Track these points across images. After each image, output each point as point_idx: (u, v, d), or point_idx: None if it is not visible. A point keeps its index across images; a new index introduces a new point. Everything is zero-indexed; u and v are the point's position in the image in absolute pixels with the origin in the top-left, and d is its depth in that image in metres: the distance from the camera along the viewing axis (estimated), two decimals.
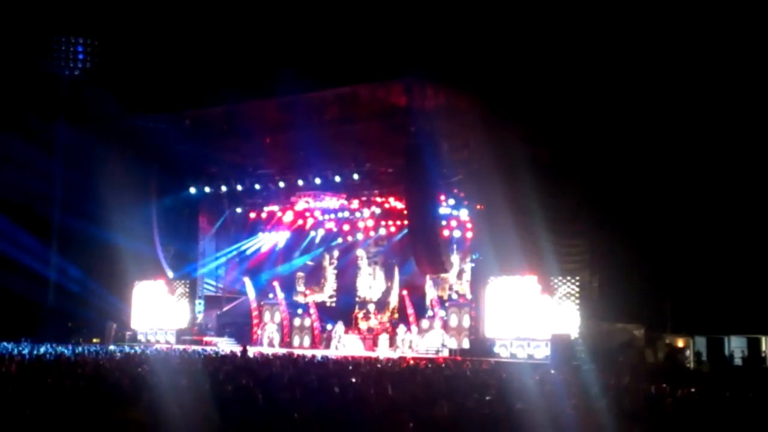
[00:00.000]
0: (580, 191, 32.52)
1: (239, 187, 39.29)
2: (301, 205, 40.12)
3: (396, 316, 39.47)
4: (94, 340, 38.27)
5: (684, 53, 32.04)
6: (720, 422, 13.36)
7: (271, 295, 41.28)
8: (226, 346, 36.77)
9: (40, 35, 42.32)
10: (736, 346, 32.24)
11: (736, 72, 31.57)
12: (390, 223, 40.62)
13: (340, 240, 42.67)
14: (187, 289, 40.71)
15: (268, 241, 43.15)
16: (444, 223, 35.61)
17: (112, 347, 32.84)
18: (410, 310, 37.41)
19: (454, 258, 37.10)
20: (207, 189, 39.85)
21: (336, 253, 43.28)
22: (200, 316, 41.28)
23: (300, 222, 42.32)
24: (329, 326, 38.58)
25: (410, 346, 35.87)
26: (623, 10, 32.08)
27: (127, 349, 31.74)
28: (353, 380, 16.90)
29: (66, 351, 27.89)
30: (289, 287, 42.30)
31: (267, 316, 40.88)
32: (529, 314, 32.22)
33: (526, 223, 31.47)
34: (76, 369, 18.53)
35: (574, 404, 13.30)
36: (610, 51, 31.97)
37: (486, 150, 32.38)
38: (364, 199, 39.52)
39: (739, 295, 31.35)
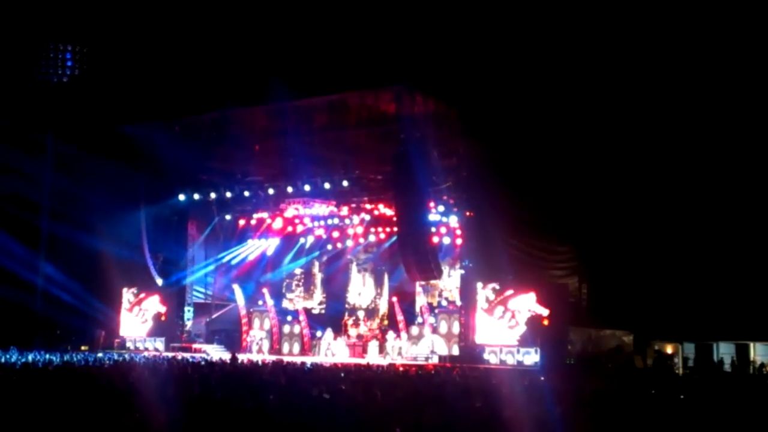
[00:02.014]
0: (569, 198, 32.66)
1: (228, 194, 39.24)
2: (290, 211, 40.10)
3: (386, 322, 39.48)
4: (83, 348, 38.10)
5: (665, 57, 32.29)
6: (709, 428, 13.41)
7: (260, 302, 41.23)
8: (215, 353, 36.69)
9: (29, 42, 42.19)
10: (724, 352, 32.37)
11: (727, 76, 31.80)
12: (379, 229, 40.65)
13: (329, 247, 42.64)
14: (176, 297, 40.59)
15: (257, 248, 43.10)
16: (433, 229, 35.61)
17: (100, 355, 32.73)
18: (400, 317, 37.45)
19: (444, 265, 37.12)
20: (196, 196, 39.77)
21: (325, 260, 43.27)
22: (189, 324, 41.13)
23: (289, 229, 42.29)
24: (318, 333, 38.56)
25: (400, 353, 35.89)
26: (602, 22, 32.34)
27: (116, 356, 31.61)
28: (343, 387, 16.88)
29: (54, 359, 27.77)
30: (278, 294, 42.27)
31: (256, 323, 40.82)
32: (519, 321, 32.29)
33: (516, 230, 31.58)
34: (64, 377, 18.44)
35: (564, 411, 13.33)
36: (592, 62, 32.20)
37: (475, 157, 32.49)
38: (353, 205, 39.53)
39: (727, 302, 31.51)
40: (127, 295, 41.17)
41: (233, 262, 42.98)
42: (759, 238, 31.88)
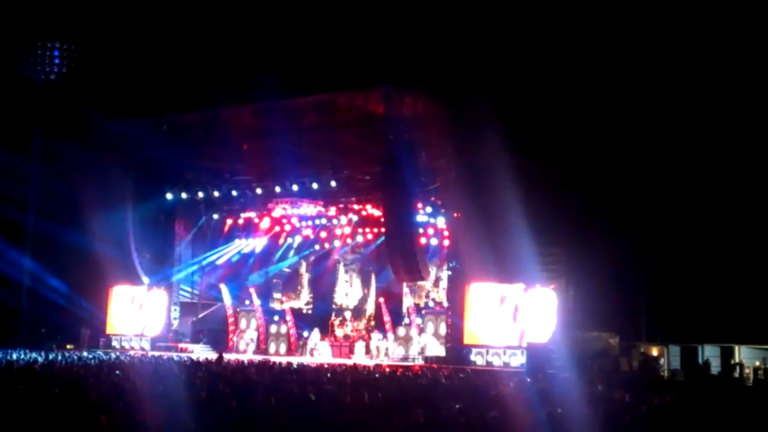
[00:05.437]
0: (556, 200, 32.68)
1: (216, 193, 39.20)
2: (278, 211, 40.06)
3: (372, 323, 39.48)
4: (68, 347, 37.91)
5: (662, 64, 32.35)
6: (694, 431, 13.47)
7: (247, 302, 41.17)
8: (201, 352, 36.60)
9: (16, 39, 41.99)
10: (709, 354, 32.45)
11: (709, 88, 31.86)
12: (367, 230, 40.66)
13: (317, 247, 42.63)
14: (163, 296, 40.49)
15: (244, 247, 43.02)
16: (421, 230, 35.62)
17: (86, 353, 32.59)
18: (387, 318, 37.44)
19: (431, 266, 37.13)
20: (184, 195, 39.71)
21: (312, 260, 43.25)
22: (176, 323, 41.06)
23: (277, 228, 42.23)
24: (305, 333, 38.53)
25: (386, 354, 35.88)
26: (598, 21, 32.34)
27: (101, 355, 31.49)
28: (329, 387, 16.87)
29: (39, 357, 27.64)
30: (265, 294, 42.20)
31: (243, 322, 40.75)
32: (505, 322, 32.33)
33: (503, 231, 31.56)
34: (49, 376, 18.36)
35: (549, 412, 13.35)
36: (586, 62, 32.20)
37: (463, 158, 32.50)
38: (341, 206, 39.54)
39: (713, 304, 31.59)
40: (113, 293, 41.00)
41: (220, 261, 42.92)
42: (744, 241, 31.99)
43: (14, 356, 27.86)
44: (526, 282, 32.79)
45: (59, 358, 28.27)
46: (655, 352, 32.64)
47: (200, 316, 42.49)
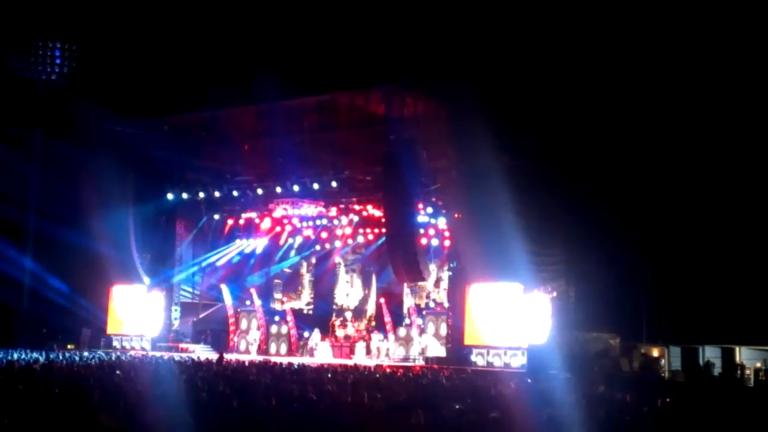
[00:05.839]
0: (557, 201, 32.70)
1: (217, 194, 39.18)
2: (278, 212, 40.04)
3: (373, 324, 39.46)
4: (69, 347, 37.91)
5: (660, 65, 32.36)
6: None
7: (248, 302, 41.15)
8: (202, 353, 36.58)
9: (17, 39, 42.02)
10: (710, 356, 32.47)
11: (709, 88, 31.87)
12: (368, 230, 40.67)
13: (317, 247, 42.64)
14: (164, 296, 40.49)
15: (245, 247, 43.03)
16: (422, 231, 35.63)
17: (86, 354, 32.59)
18: (387, 318, 37.44)
19: (432, 266, 37.13)
20: (185, 195, 39.68)
21: (313, 261, 43.25)
22: (176, 323, 41.05)
23: (278, 229, 42.25)
24: (306, 334, 38.52)
25: (387, 354, 35.87)
26: (597, 22, 32.37)
27: (102, 355, 31.49)
28: (329, 388, 16.86)
29: (40, 357, 27.65)
30: (266, 294, 42.19)
31: (244, 323, 40.73)
32: (506, 323, 32.32)
33: (504, 232, 31.56)
34: (50, 375, 18.36)
35: (550, 413, 13.34)
36: (586, 63, 32.22)
37: (464, 159, 32.50)
38: (342, 206, 39.52)
39: (713, 305, 31.61)
40: (114, 293, 40.99)
41: (221, 261, 42.92)
42: (744, 242, 32.00)
43: (15, 356, 27.86)
44: (526, 282, 32.77)
45: (60, 358, 28.30)
46: (655, 353, 32.67)
47: (201, 316, 42.49)
